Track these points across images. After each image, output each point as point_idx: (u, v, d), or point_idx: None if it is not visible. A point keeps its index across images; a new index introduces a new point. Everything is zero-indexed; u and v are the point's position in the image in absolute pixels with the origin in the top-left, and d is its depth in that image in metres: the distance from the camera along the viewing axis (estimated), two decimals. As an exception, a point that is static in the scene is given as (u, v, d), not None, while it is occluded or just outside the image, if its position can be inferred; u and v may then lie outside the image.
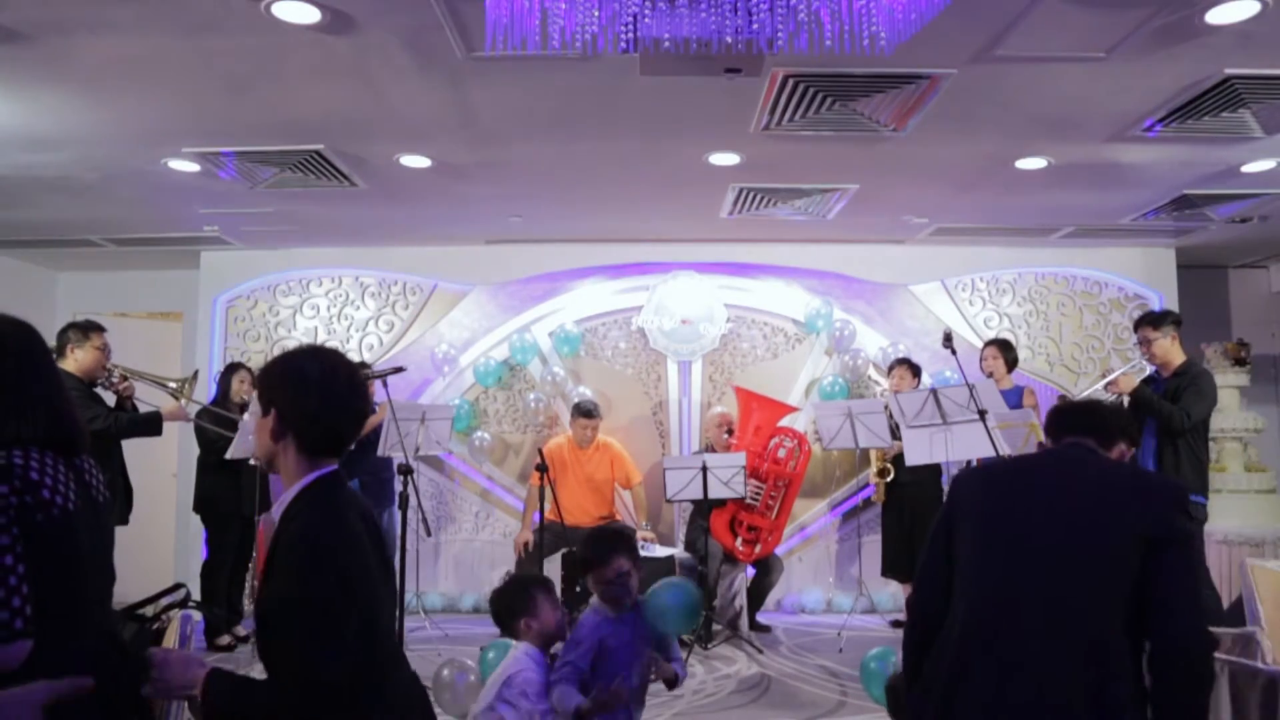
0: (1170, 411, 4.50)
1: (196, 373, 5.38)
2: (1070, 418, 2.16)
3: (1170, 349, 4.70)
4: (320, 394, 1.83)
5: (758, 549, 5.84)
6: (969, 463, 5.32)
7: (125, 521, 4.62)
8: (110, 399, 4.90)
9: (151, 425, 4.81)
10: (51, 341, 4.65)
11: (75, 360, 4.50)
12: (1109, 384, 4.77)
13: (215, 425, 5.39)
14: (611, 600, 2.68)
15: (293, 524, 1.74)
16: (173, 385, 4.99)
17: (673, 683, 2.74)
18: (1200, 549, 4.50)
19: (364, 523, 1.85)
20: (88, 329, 4.56)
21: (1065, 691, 1.76)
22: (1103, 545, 1.84)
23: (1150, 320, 4.79)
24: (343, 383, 1.87)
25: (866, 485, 6.58)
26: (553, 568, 6.05)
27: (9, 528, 1.51)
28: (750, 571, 5.93)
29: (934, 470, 5.76)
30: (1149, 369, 4.85)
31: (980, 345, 6.27)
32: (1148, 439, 4.64)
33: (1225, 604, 4.71)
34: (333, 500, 1.79)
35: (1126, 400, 4.71)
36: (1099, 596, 1.81)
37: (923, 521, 5.87)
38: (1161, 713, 1.75)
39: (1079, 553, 1.85)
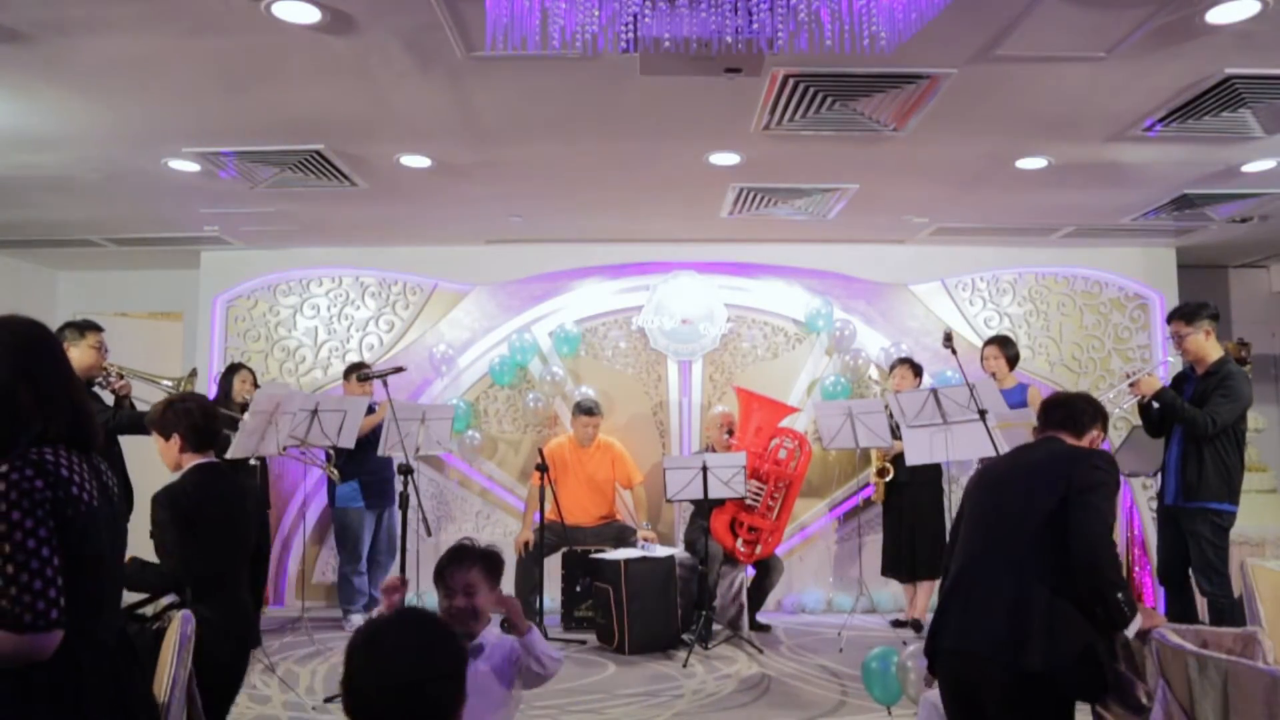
0: (1193, 416, 4.22)
1: (194, 370, 5.38)
2: (1046, 414, 2.73)
3: (1204, 345, 4.35)
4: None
5: (758, 550, 5.84)
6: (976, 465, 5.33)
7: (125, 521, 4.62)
8: (109, 399, 4.89)
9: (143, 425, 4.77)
10: None
11: (72, 359, 4.50)
12: (1131, 385, 4.50)
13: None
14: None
15: None
16: (169, 383, 4.98)
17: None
18: (1219, 550, 4.28)
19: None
20: (84, 328, 4.55)
21: (1000, 603, 2.38)
22: (1036, 505, 2.45)
23: (1183, 314, 4.42)
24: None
25: (866, 485, 6.58)
26: (553, 567, 6.06)
27: (46, 520, 1.59)
28: (750, 572, 5.93)
29: (934, 470, 5.76)
30: (1161, 370, 4.64)
31: (980, 345, 6.28)
32: (1175, 441, 4.40)
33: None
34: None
35: (1153, 403, 4.44)
36: (1032, 540, 2.42)
37: (923, 521, 5.87)
38: (1087, 607, 2.36)
39: (1023, 513, 2.46)
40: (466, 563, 2.44)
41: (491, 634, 2.47)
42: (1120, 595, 2.35)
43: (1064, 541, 2.37)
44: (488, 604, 2.44)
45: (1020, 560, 2.42)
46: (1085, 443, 2.64)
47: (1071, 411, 2.69)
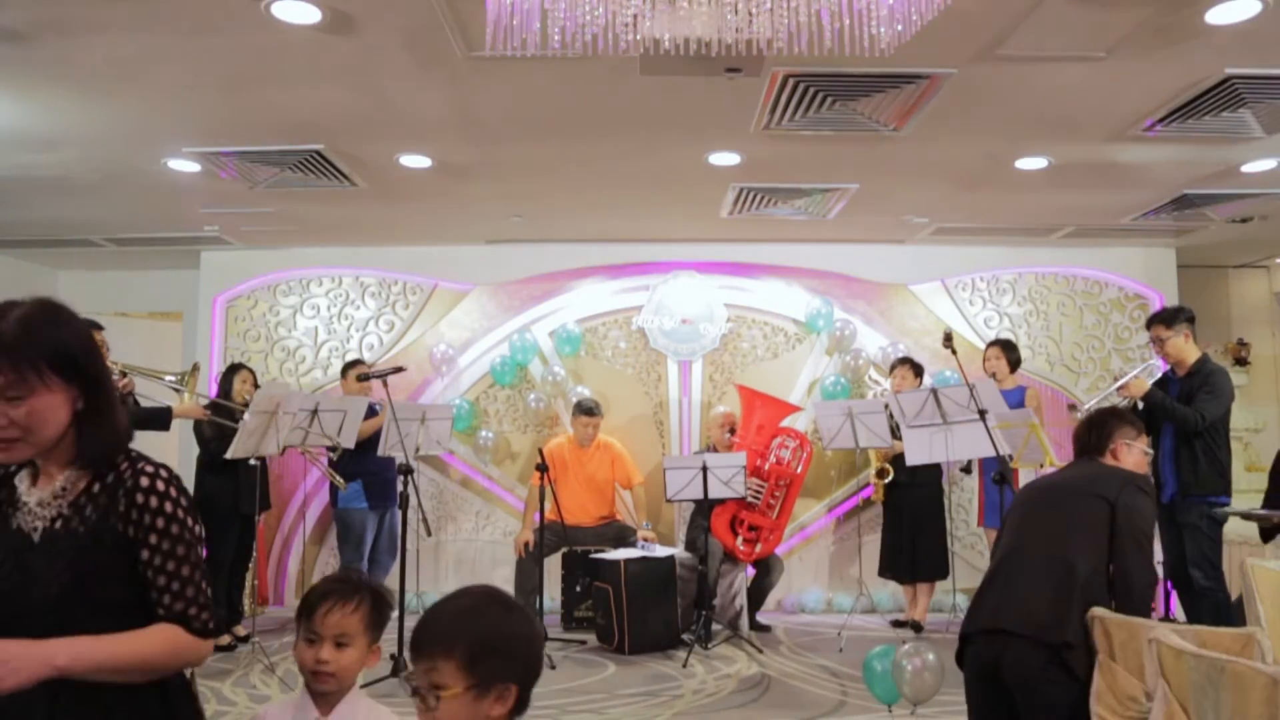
0: (1184, 414, 4.39)
1: (196, 365, 5.37)
2: (1076, 444, 2.95)
3: (1184, 347, 4.56)
4: None
5: (758, 549, 5.85)
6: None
7: None
8: None
9: (160, 420, 4.76)
10: None
11: None
12: (1120, 389, 4.65)
13: (222, 419, 5.38)
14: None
15: None
16: (172, 379, 4.96)
17: None
18: (1215, 543, 4.42)
19: None
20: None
21: (1036, 596, 2.56)
22: (1082, 505, 2.66)
23: (1163, 319, 4.64)
24: None
25: (866, 485, 6.58)
26: (553, 567, 6.06)
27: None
28: (750, 571, 5.93)
29: (934, 471, 5.76)
30: (1161, 368, 4.73)
31: (980, 345, 6.29)
32: (1165, 440, 4.54)
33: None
34: None
35: (1140, 404, 4.60)
36: (1078, 538, 2.61)
37: (922, 522, 5.87)
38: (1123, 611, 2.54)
39: (1072, 514, 2.68)
40: (349, 597, 1.80)
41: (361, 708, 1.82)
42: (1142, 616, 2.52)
43: (1104, 545, 2.59)
44: (355, 665, 1.79)
45: (1065, 555, 2.60)
46: (1112, 458, 2.83)
47: (1086, 440, 2.89)
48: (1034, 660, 2.50)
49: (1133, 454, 2.86)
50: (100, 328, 4.63)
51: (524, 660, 1.43)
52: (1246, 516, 4.22)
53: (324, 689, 1.77)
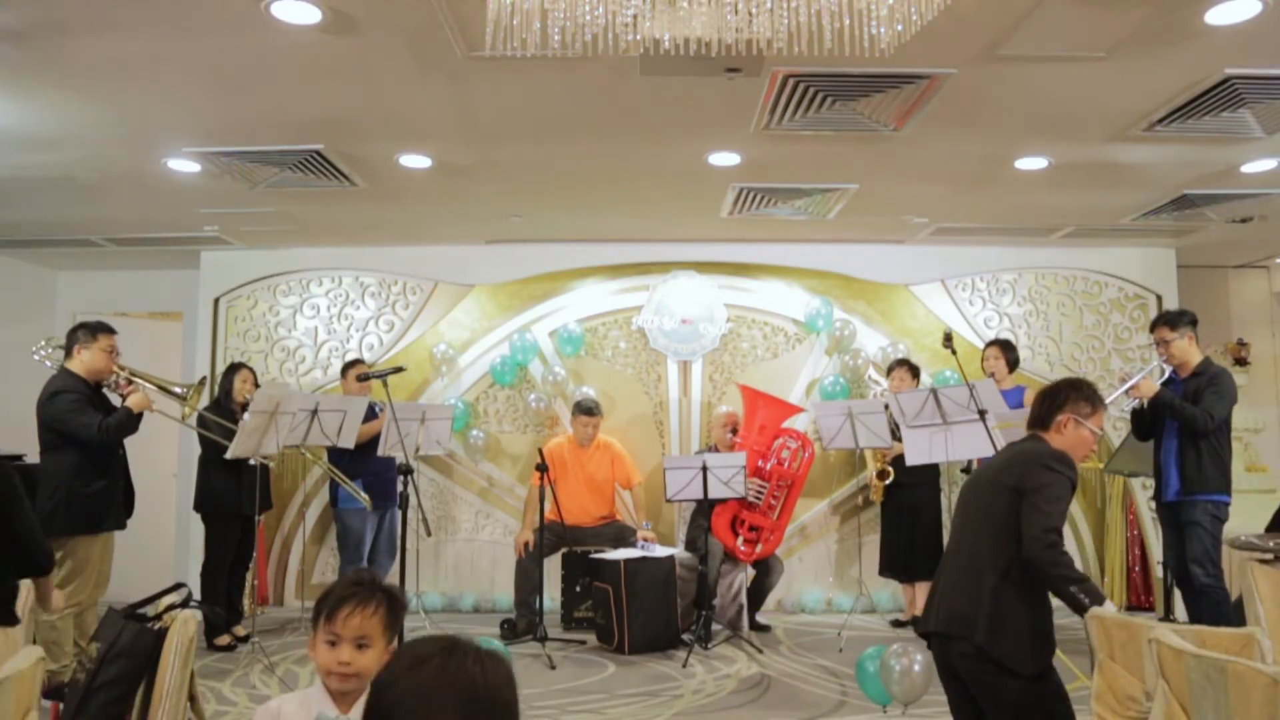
0: (1193, 414, 4.41)
1: (204, 379, 5.36)
2: (1030, 417, 2.86)
3: (1188, 349, 4.60)
4: None
5: (759, 549, 5.85)
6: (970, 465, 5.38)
7: (123, 526, 4.61)
8: (117, 400, 4.87)
9: (130, 424, 4.54)
10: (60, 341, 4.63)
11: (81, 361, 4.48)
12: (1129, 390, 4.65)
13: (217, 429, 5.39)
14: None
15: None
16: (179, 390, 4.92)
17: None
18: (1217, 541, 4.43)
19: None
20: (96, 330, 4.53)
21: (955, 597, 2.66)
22: (997, 501, 2.66)
23: (1167, 320, 4.67)
24: None
25: (867, 485, 6.58)
26: (553, 567, 6.06)
27: None
28: (750, 571, 5.93)
29: (932, 471, 5.77)
30: (1166, 370, 4.75)
31: (980, 345, 6.29)
32: (1169, 440, 4.56)
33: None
34: None
35: (1144, 404, 4.62)
36: (991, 533, 2.64)
37: (921, 522, 5.88)
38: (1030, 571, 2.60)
39: (987, 508, 2.69)
40: (368, 600, 1.82)
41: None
42: (1073, 588, 2.53)
43: (1016, 537, 2.59)
44: (375, 665, 1.78)
45: (980, 551, 2.66)
46: (1057, 430, 2.76)
47: (1037, 411, 2.83)
48: (969, 658, 2.59)
49: (1079, 432, 2.76)
50: (113, 331, 4.61)
51: None
52: (1248, 548, 4.18)
53: (347, 689, 1.80)
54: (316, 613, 1.82)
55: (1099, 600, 2.54)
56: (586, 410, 6.20)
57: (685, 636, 5.47)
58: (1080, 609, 2.55)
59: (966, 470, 6.06)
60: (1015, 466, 2.70)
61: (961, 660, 2.62)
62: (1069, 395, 2.78)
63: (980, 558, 2.64)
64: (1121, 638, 2.42)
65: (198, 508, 5.70)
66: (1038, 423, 2.81)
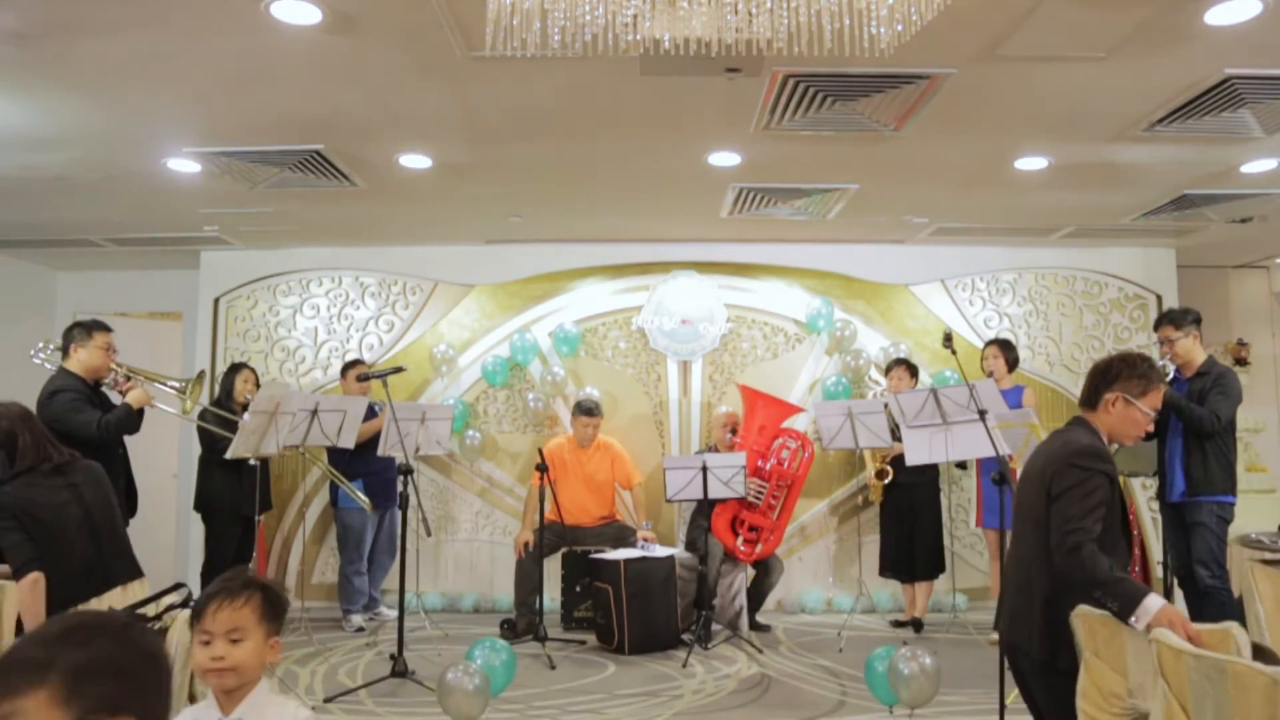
0: (1200, 415, 4.39)
1: (202, 373, 5.36)
2: (1081, 394, 2.72)
3: (1192, 349, 4.58)
4: None
5: (758, 549, 5.85)
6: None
7: (126, 523, 4.60)
8: (116, 398, 4.87)
9: (131, 421, 4.54)
10: (59, 343, 4.64)
11: (78, 360, 4.49)
12: None
13: (218, 426, 5.39)
14: None
15: None
16: (177, 385, 4.94)
17: None
18: (1222, 542, 4.41)
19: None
20: (91, 328, 4.54)
21: (1012, 606, 2.66)
22: (1036, 498, 2.58)
23: (1172, 319, 4.64)
24: None
25: (866, 486, 6.58)
26: (553, 567, 6.06)
27: None
28: (750, 572, 5.93)
29: (932, 471, 5.76)
30: (1170, 370, 4.73)
31: (980, 345, 6.28)
32: (1174, 440, 4.54)
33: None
34: None
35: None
36: (1032, 537, 2.59)
37: (921, 522, 5.88)
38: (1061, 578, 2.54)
39: (1028, 510, 2.64)
40: (235, 594, 1.83)
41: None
42: (1097, 593, 2.40)
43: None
44: (253, 659, 1.79)
45: (1031, 553, 2.60)
46: (1104, 410, 2.61)
47: (1086, 387, 2.68)
48: (1029, 663, 2.63)
49: (1128, 412, 2.57)
50: (109, 329, 4.62)
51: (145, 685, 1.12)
52: (1257, 546, 4.17)
53: (226, 685, 1.77)
54: (190, 619, 1.82)
55: (1130, 601, 2.31)
56: (587, 410, 6.20)
57: (685, 636, 5.47)
58: (1120, 616, 2.34)
59: (962, 466, 6.07)
60: (1050, 464, 2.56)
61: (1027, 665, 2.64)
62: (1120, 371, 2.57)
63: (1031, 560, 2.59)
64: (1105, 635, 2.42)
65: (198, 508, 5.70)
66: (1086, 400, 2.65)
